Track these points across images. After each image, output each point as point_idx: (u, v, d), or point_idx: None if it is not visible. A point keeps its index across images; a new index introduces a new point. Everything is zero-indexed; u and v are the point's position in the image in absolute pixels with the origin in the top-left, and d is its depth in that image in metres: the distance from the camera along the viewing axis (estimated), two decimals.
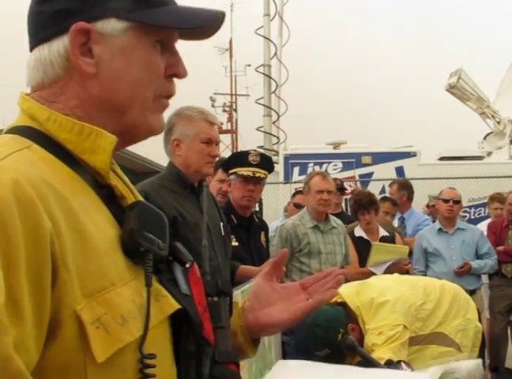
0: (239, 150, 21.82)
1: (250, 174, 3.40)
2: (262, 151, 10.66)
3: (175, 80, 0.97)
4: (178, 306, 0.88)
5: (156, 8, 0.90)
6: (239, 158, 3.55)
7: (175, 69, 0.94)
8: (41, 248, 0.70)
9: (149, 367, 0.79)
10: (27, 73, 0.92)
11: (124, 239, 0.84)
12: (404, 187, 6.46)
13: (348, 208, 7.99)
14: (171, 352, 0.89)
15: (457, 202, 5.36)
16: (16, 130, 0.86)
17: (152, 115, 0.93)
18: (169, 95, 0.96)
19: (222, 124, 20.87)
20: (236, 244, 3.32)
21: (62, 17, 0.87)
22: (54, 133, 0.86)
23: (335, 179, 5.22)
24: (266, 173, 3.51)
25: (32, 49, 0.90)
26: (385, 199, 5.70)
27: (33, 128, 0.86)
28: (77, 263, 0.75)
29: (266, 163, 3.54)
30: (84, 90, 0.88)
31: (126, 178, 1.01)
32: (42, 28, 0.89)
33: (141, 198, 1.02)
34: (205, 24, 0.93)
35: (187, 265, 0.96)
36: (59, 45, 0.87)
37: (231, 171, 3.52)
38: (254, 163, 3.41)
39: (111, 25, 0.87)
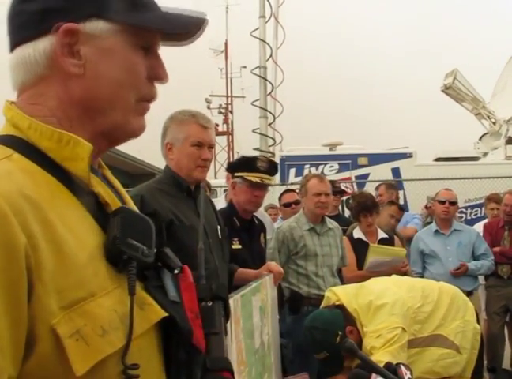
0: (235, 151, 21.88)
1: (259, 180, 3.40)
2: (258, 153, 10.67)
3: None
4: (164, 314, 0.86)
5: (142, 12, 0.90)
6: (248, 163, 3.53)
7: (156, 72, 0.94)
8: (16, 264, 0.69)
9: (133, 378, 0.77)
10: (11, 75, 0.90)
11: (107, 247, 0.83)
12: (392, 187, 6.58)
13: (345, 210, 8.01)
14: (159, 361, 0.88)
15: (453, 203, 5.36)
16: (0, 139, 0.85)
17: (134, 118, 0.93)
18: (151, 99, 0.96)
19: (218, 126, 20.85)
20: (239, 247, 3.31)
21: (48, 17, 0.86)
22: (36, 141, 0.85)
23: (333, 181, 5.21)
24: (272, 179, 3.53)
25: (13, 49, 0.89)
26: (391, 203, 5.68)
27: (16, 136, 0.85)
28: (55, 275, 0.73)
29: (273, 169, 3.55)
30: (66, 90, 0.88)
31: (117, 183, 1.00)
32: (25, 27, 0.87)
33: (131, 202, 1.01)
34: (189, 29, 0.93)
35: (176, 271, 0.94)
36: (45, 44, 0.86)
37: (237, 174, 3.51)
38: (261, 169, 3.41)
39: (100, 27, 0.87)
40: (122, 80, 0.89)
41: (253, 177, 3.40)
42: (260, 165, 3.41)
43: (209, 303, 1.01)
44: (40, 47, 0.86)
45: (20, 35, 0.88)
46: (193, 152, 2.61)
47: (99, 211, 0.87)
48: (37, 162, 0.83)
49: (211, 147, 2.70)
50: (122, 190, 1.01)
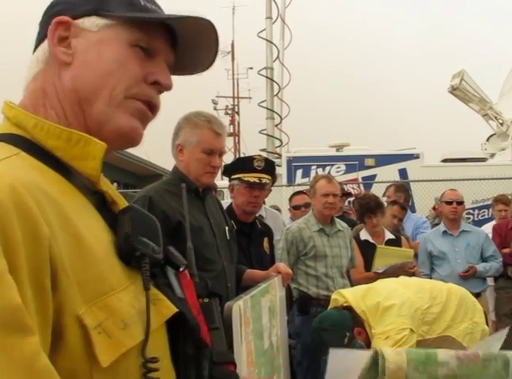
0: (241, 153, 21.86)
1: (257, 180, 3.36)
2: (265, 154, 10.67)
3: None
4: (175, 310, 0.88)
5: (137, 12, 0.93)
6: (244, 163, 3.51)
7: (156, 76, 0.94)
8: (40, 253, 0.69)
9: (153, 371, 0.79)
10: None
11: (119, 244, 0.84)
12: (401, 190, 6.42)
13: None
14: (169, 356, 0.90)
15: (460, 203, 5.33)
16: (2, 138, 0.85)
17: (120, 113, 0.91)
18: (148, 101, 0.94)
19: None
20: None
21: (51, 18, 0.92)
22: (42, 139, 0.86)
23: (339, 183, 5.19)
24: (270, 178, 3.48)
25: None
26: (394, 203, 5.66)
27: (19, 135, 0.86)
28: (75, 268, 0.74)
29: (270, 168, 3.51)
30: (60, 81, 0.91)
31: (113, 187, 1.01)
32: (38, 34, 0.95)
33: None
34: (169, 20, 0.94)
35: (181, 269, 0.96)
36: (45, 42, 0.92)
37: (234, 176, 3.49)
38: (259, 168, 3.37)
39: (92, 21, 0.92)
40: (108, 69, 0.90)
41: (250, 177, 3.37)
42: (257, 165, 3.37)
43: (206, 300, 1.05)
44: (43, 46, 0.92)
45: (36, 42, 0.95)
46: (203, 158, 2.60)
47: (105, 210, 0.89)
48: (43, 160, 0.83)
49: (221, 154, 2.68)
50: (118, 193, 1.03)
